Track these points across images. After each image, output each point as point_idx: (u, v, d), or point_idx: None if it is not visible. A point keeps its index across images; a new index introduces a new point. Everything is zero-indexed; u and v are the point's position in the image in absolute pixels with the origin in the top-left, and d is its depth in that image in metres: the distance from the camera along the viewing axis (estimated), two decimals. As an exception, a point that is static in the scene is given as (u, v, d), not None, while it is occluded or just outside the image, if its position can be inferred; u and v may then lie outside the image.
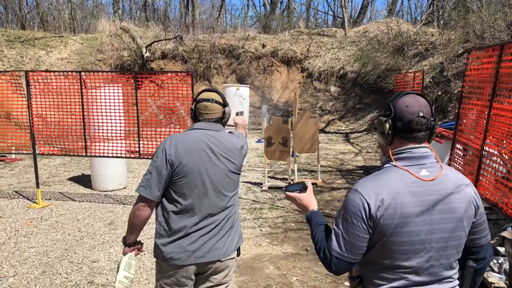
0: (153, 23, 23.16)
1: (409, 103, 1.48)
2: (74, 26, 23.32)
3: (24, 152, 6.39)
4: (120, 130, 6.53)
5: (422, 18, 20.85)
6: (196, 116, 2.33)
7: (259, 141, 12.99)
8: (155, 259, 2.26)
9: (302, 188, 1.77)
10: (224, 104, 2.36)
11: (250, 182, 8.01)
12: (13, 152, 7.25)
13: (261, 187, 7.56)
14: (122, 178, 7.39)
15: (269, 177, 8.28)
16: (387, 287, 1.46)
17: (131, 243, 2.26)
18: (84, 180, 7.95)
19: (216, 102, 2.30)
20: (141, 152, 6.02)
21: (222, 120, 2.36)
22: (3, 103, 6.58)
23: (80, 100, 6.03)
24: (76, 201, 6.63)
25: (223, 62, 20.17)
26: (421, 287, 1.46)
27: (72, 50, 20.35)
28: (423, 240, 1.42)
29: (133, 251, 2.28)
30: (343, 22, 20.34)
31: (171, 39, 19.74)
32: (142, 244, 2.34)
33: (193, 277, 2.23)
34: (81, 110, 6.06)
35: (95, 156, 6.32)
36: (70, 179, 8.22)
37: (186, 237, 2.16)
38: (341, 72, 18.07)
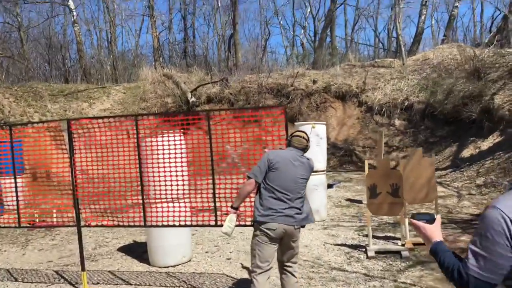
0: (196, 68, 22.41)
1: None
2: (116, 76, 22.93)
3: (66, 224, 4.92)
4: (183, 188, 5.00)
5: (487, 40, 18.97)
6: (290, 143, 3.84)
7: (331, 186, 10.96)
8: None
9: (430, 219, 1.82)
10: (308, 140, 3.84)
11: (346, 245, 6.19)
12: (54, 218, 5.86)
13: (366, 252, 5.73)
14: (186, 249, 5.78)
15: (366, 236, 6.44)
16: None
17: (236, 207, 3.77)
18: (138, 251, 6.39)
19: (304, 138, 3.81)
20: (217, 218, 4.41)
21: (305, 150, 3.82)
22: (41, 160, 5.26)
23: (135, 153, 4.56)
24: (131, 284, 5.04)
25: (271, 101, 18.84)
26: None
27: (114, 100, 19.72)
28: None
29: (235, 214, 3.74)
30: (400, 50, 18.71)
31: (218, 82, 18.74)
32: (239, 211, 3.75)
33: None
34: (136, 166, 4.58)
35: (157, 226, 4.75)
36: (121, 249, 6.69)
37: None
38: (406, 104, 16.21)
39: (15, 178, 5.06)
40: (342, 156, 16.09)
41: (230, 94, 19.11)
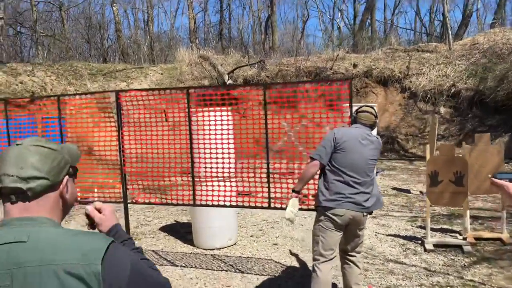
0: (232, 50, 22.09)
1: None
2: (153, 57, 22.92)
3: (113, 200, 4.77)
4: (235, 167, 4.75)
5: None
6: (355, 119, 3.47)
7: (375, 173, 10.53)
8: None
9: None
10: (376, 116, 3.46)
11: (400, 236, 5.81)
12: (96, 194, 5.76)
13: (423, 245, 5.33)
14: (232, 232, 5.56)
15: (423, 228, 6.03)
16: None
17: (298, 191, 3.47)
18: (181, 232, 6.22)
19: (372, 114, 3.42)
20: (271, 200, 4.13)
21: (372, 127, 3.44)
22: (86, 134, 5.11)
23: (186, 128, 4.32)
24: (177, 266, 4.86)
25: (309, 85, 18.34)
26: None
27: (152, 80, 19.71)
28: None
29: (297, 198, 3.46)
30: (447, 34, 17.72)
31: (255, 64, 18.37)
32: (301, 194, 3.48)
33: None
34: (187, 142, 4.34)
35: (207, 206, 4.52)
36: (163, 229, 6.55)
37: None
38: (453, 90, 15.36)
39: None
40: (384, 144, 15.48)
41: (267, 77, 18.70)
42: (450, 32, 17.68)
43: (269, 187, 4.14)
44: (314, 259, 3.42)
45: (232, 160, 4.64)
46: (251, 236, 6.02)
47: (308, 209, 3.90)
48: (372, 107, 3.51)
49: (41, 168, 1.12)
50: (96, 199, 7.01)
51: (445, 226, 6.23)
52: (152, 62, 22.96)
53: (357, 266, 3.54)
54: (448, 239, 5.49)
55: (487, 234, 5.54)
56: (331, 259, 3.39)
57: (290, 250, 5.35)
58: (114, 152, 4.51)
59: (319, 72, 18.37)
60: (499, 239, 5.39)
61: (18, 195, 1.11)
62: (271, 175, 4.13)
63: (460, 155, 5.56)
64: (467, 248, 5.14)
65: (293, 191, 3.50)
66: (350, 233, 3.44)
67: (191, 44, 25.81)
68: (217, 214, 5.18)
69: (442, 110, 15.53)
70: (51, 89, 16.78)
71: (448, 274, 4.49)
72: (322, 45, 24.58)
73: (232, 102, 4.98)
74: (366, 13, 22.28)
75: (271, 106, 4.05)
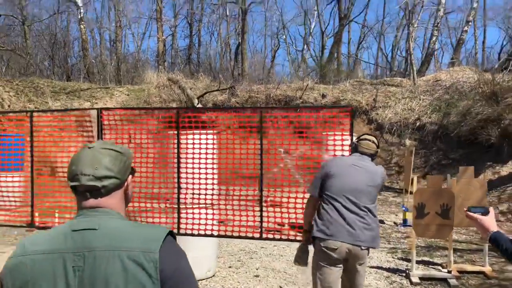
0: (202, 75, 21.98)
1: None
2: (120, 78, 22.38)
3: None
4: (212, 193, 4.50)
5: (497, 65, 18.82)
6: (356, 148, 3.23)
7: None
8: None
9: (485, 211, 1.96)
10: (378, 146, 3.26)
11: (383, 268, 5.68)
12: (56, 219, 5.31)
13: (408, 278, 5.22)
14: (211, 262, 5.22)
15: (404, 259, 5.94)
16: None
17: (306, 229, 3.25)
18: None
19: (374, 142, 3.23)
20: (263, 229, 3.89)
21: (373, 156, 3.21)
22: (57, 154, 4.70)
23: (174, 150, 4.04)
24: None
25: (278, 113, 18.40)
26: None
27: (118, 101, 19.13)
28: None
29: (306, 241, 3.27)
30: (412, 70, 18.46)
31: (226, 89, 18.28)
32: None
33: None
34: (174, 166, 4.05)
35: (193, 235, 4.20)
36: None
37: None
38: (418, 124, 15.88)
39: (31, 175, 4.50)
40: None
41: (237, 103, 18.65)
42: (414, 68, 18.43)
43: (261, 216, 3.90)
44: None
45: (216, 187, 4.38)
46: (230, 267, 5.69)
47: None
48: (374, 136, 3.39)
49: (113, 168, 1.28)
50: (56, 224, 6.46)
51: (425, 258, 6.17)
52: (118, 83, 22.39)
53: None
54: (434, 272, 5.41)
55: (470, 267, 5.52)
56: None
57: (280, 286, 5.07)
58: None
59: (288, 101, 18.52)
60: (483, 272, 5.38)
61: (93, 192, 1.26)
62: (264, 204, 3.90)
63: (445, 187, 5.57)
64: (453, 281, 5.07)
65: (304, 231, 3.32)
66: (349, 268, 3.18)
67: (158, 66, 25.52)
68: (197, 242, 4.85)
69: (408, 142, 15.93)
70: (8, 105, 15.87)
71: (438, 309, 4.37)
72: (291, 74, 24.96)
73: (202, 125, 4.76)
74: (334, 45, 22.95)
75: (267, 130, 3.87)
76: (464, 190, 5.43)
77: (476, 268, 5.48)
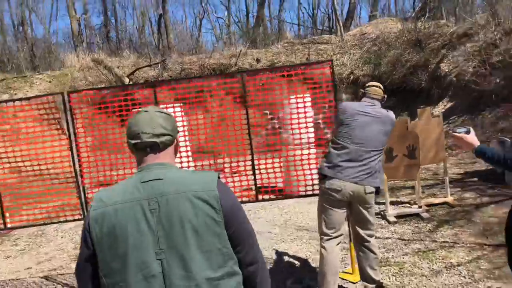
0: (127, 52, 20.87)
1: None
2: (35, 64, 20.60)
3: (70, 218, 4.05)
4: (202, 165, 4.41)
5: (414, 14, 19.92)
6: (364, 94, 3.41)
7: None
8: None
9: (467, 131, 2.31)
10: (384, 92, 3.46)
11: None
12: (8, 219, 4.88)
13: (385, 218, 5.56)
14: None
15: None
16: None
17: None
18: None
19: (380, 88, 3.42)
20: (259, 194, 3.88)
21: (381, 101, 3.40)
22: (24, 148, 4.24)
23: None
24: None
25: (215, 83, 18.14)
26: None
27: (40, 90, 17.65)
28: None
29: None
30: (338, 26, 18.96)
31: (157, 63, 17.56)
32: None
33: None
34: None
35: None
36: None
37: None
38: (352, 78, 16.52)
39: None
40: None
41: (170, 76, 18.04)
42: (341, 24, 18.93)
43: (255, 180, 3.88)
44: (320, 238, 3.32)
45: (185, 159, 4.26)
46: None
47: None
48: (379, 83, 3.51)
49: (167, 127, 1.51)
50: (9, 225, 6.01)
51: (392, 199, 6.56)
52: (35, 70, 20.60)
53: (371, 251, 3.39)
54: (406, 209, 5.79)
55: (436, 200, 5.98)
56: (335, 237, 3.30)
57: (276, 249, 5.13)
58: (66, 164, 3.80)
59: (223, 69, 18.26)
60: (446, 202, 5.85)
61: (152, 147, 1.49)
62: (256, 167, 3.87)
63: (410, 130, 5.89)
64: (425, 215, 5.48)
65: None
66: (355, 212, 3.32)
67: (76, 48, 23.76)
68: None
69: (344, 96, 16.56)
70: None
71: (421, 240, 4.72)
72: (220, 41, 24.52)
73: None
74: (261, 9, 22.80)
75: (250, 94, 3.80)
76: (424, 130, 5.79)
77: (441, 200, 5.95)
